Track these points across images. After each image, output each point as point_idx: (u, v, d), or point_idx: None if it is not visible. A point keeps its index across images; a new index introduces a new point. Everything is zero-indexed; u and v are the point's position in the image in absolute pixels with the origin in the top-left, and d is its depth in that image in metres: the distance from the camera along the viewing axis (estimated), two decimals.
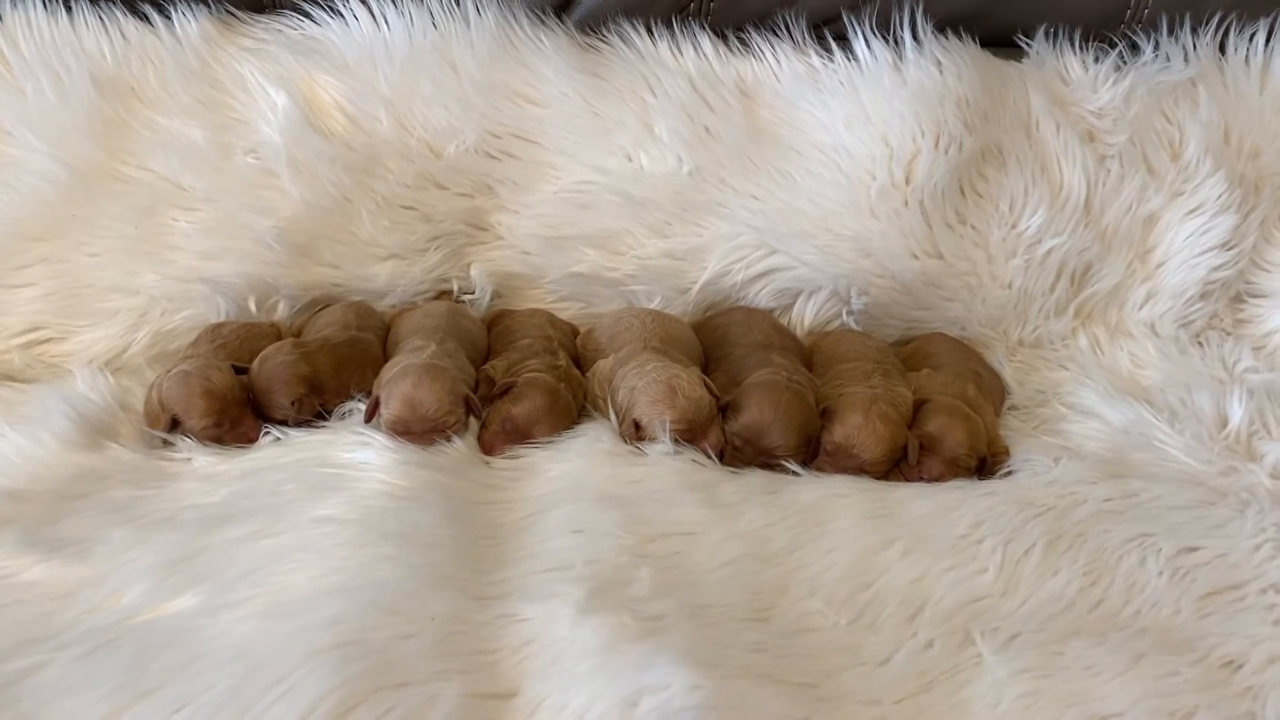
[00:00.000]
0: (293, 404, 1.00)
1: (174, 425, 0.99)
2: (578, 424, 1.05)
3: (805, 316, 1.27)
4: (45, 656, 0.73)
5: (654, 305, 1.27)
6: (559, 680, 0.70)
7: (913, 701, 0.74)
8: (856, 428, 1.01)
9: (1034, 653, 0.78)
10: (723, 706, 0.68)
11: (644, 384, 1.02)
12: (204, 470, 0.96)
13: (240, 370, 1.03)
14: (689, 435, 1.00)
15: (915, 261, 1.25)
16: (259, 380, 1.02)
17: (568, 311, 1.29)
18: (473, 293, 1.27)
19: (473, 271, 1.27)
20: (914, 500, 0.96)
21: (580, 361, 1.16)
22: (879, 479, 1.01)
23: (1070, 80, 1.32)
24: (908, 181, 1.24)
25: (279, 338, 1.15)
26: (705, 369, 1.13)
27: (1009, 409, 1.18)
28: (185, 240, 1.18)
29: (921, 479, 1.01)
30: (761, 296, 1.27)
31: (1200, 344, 1.29)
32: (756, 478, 0.99)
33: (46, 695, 0.69)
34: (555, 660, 0.72)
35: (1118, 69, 1.32)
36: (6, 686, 0.70)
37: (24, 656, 0.72)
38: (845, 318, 1.27)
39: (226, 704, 0.68)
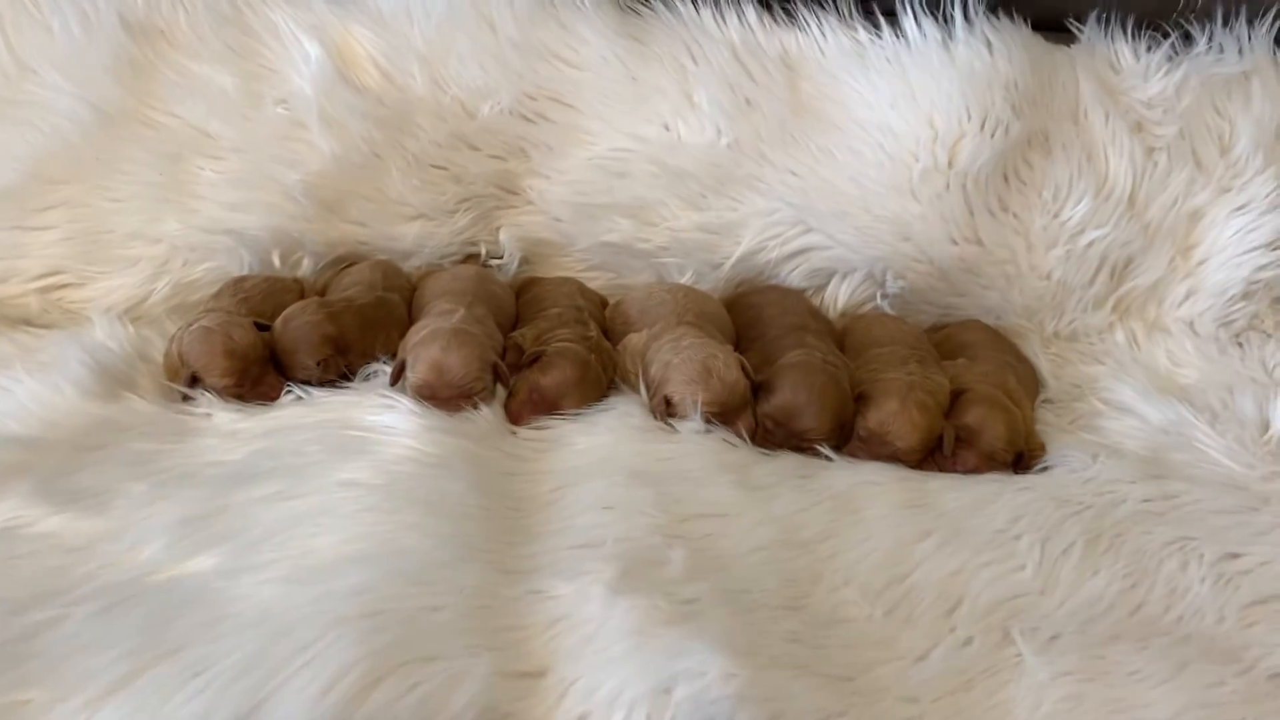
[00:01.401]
0: (318, 364, 0.98)
1: (194, 381, 0.97)
2: (607, 397, 1.03)
3: (839, 298, 1.24)
4: (61, 611, 0.71)
5: (685, 279, 1.24)
6: (591, 662, 0.68)
7: (951, 700, 0.71)
8: (892, 414, 0.98)
9: (1075, 655, 0.76)
10: (758, 697, 0.66)
11: (679, 361, 0.99)
12: (225, 427, 0.94)
13: (262, 327, 1.01)
14: (721, 417, 0.98)
15: (954, 247, 1.22)
16: (283, 339, 0.99)
17: (596, 281, 1.26)
18: (501, 258, 1.24)
19: (501, 236, 1.24)
20: (950, 492, 0.94)
21: (608, 333, 1.14)
22: (913, 468, 0.99)
23: (1121, 68, 1.29)
24: (951, 164, 1.21)
25: (302, 294, 1.12)
26: (736, 347, 1.10)
27: (1043, 402, 1.15)
28: (210, 190, 1.15)
29: (955, 470, 0.99)
30: (795, 275, 1.24)
31: (1240, 344, 1.26)
32: (789, 461, 0.97)
33: (63, 651, 0.67)
34: (587, 641, 0.70)
35: (1170, 59, 1.28)
36: (23, 640, 0.68)
37: (40, 609, 0.71)
38: (879, 301, 1.24)
39: (248, 669, 0.66)
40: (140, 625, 0.69)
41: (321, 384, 0.99)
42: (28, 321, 1.10)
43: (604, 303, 1.22)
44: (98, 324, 1.06)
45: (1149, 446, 1.05)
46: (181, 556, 0.77)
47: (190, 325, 0.98)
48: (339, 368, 0.99)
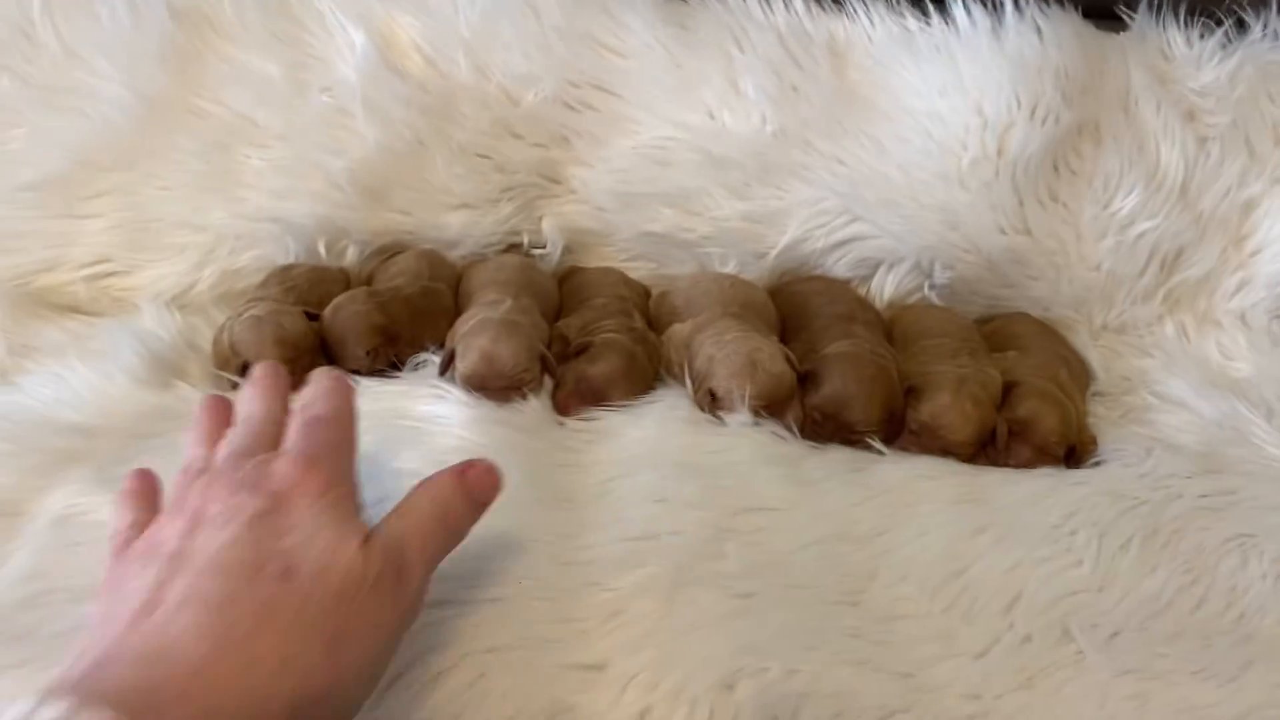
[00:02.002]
0: (368, 354, 0.98)
1: (244, 369, 0.97)
2: (653, 388, 1.02)
3: (885, 289, 1.23)
4: None
5: (729, 269, 1.23)
6: (651, 655, 0.68)
7: (1013, 698, 0.71)
8: (945, 407, 0.97)
9: (1137, 653, 0.75)
10: (823, 693, 0.66)
11: (723, 355, 0.99)
12: None
13: (312, 316, 1.01)
14: (768, 409, 0.97)
15: (1003, 237, 1.20)
16: (333, 329, 0.99)
17: (639, 271, 1.25)
18: (544, 247, 1.24)
19: (544, 225, 1.24)
20: (1003, 486, 0.93)
21: (653, 324, 1.13)
22: (965, 462, 0.98)
23: (1173, 56, 1.26)
24: (1000, 154, 1.19)
25: (348, 283, 1.12)
26: (781, 338, 1.09)
27: (1093, 395, 1.13)
28: (257, 178, 1.15)
29: (1008, 464, 0.98)
30: (841, 265, 1.23)
31: None
32: (839, 454, 0.96)
33: None
34: (646, 634, 0.69)
35: (1223, 47, 1.26)
36: (82, 629, 0.68)
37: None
38: (927, 291, 1.23)
39: None
40: None
41: (371, 374, 0.98)
42: (77, 309, 1.10)
43: (647, 293, 1.21)
44: (146, 312, 1.06)
45: (1203, 441, 1.03)
46: None
47: (240, 314, 0.98)
48: (388, 357, 0.99)
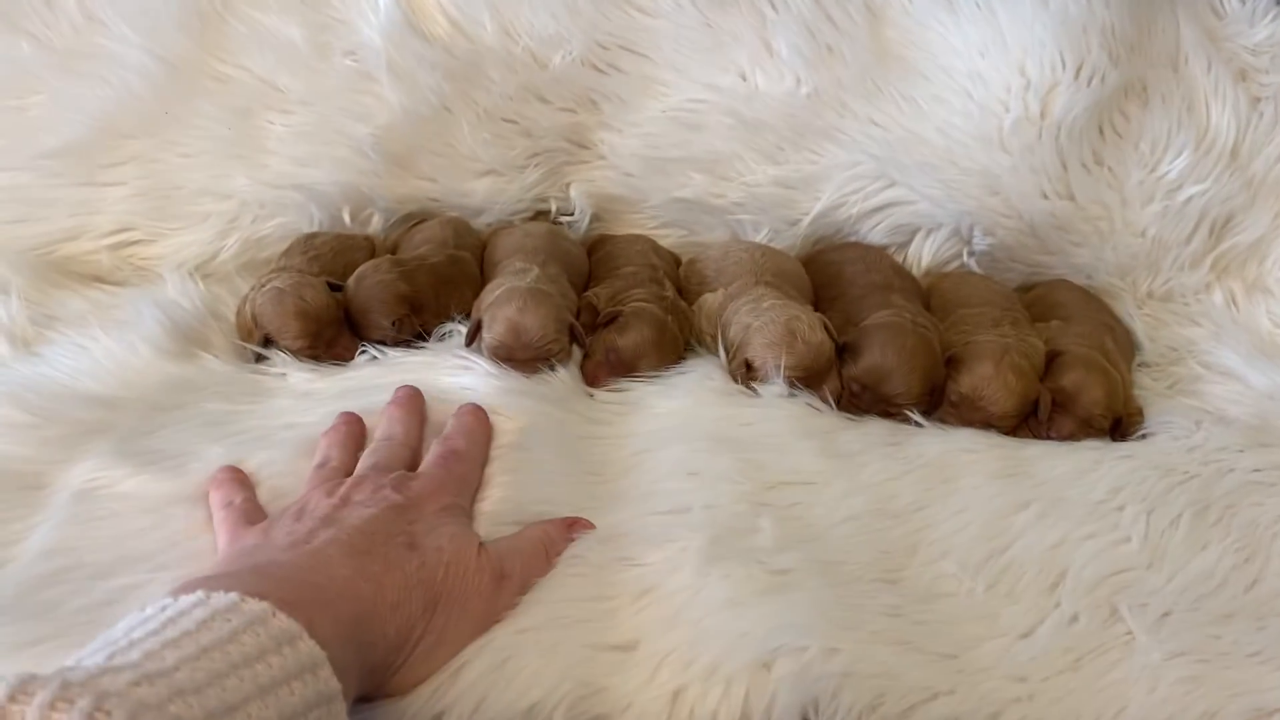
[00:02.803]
0: (393, 324, 0.96)
1: (267, 342, 0.95)
2: (684, 359, 1.00)
3: (923, 256, 1.19)
4: (145, 576, 0.69)
5: (761, 236, 1.20)
6: (684, 634, 0.66)
7: (1060, 680, 0.68)
8: (986, 378, 0.94)
9: (1189, 634, 0.72)
10: (864, 674, 0.63)
11: (760, 324, 0.96)
12: (300, 387, 0.92)
13: (335, 287, 0.99)
14: (806, 380, 0.94)
15: (1045, 202, 1.16)
16: (357, 299, 0.97)
17: (669, 239, 1.22)
18: (571, 214, 1.21)
19: (572, 192, 1.21)
20: (1047, 459, 0.90)
21: (683, 293, 1.10)
22: (1006, 434, 0.95)
23: (1225, 13, 1.22)
24: (1043, 115, 1.14)
25: (373, 251, 1.10)
26: (816, 307, 1.06)
27: (1139, 366, 1.10)
28: (279, 144, 1.13)
29: (1051, 437, 0.95)
30: (877, 232, 1.20)
31: None
32: (876, 426, 0.93)
33: None
34: (679, 611, 0.67)
35: (1278, 3, 1.21)
36: (107, 605, 0.67)
37: (125, 574, 0.69)
38: (966, 259, 1.19)
39: None
40: None
41: (396, 344, 0.96)
42: (100, 279, 1.09)
43: (677, 261, 1.18)
44: (169, 281, 1.05)
45: (1255, 413, 1.00)
46: None
47: (263, 286, 0.96)
48: (414, 327, 0.97)
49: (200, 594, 0.53)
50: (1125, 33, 1.16)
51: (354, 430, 0.81)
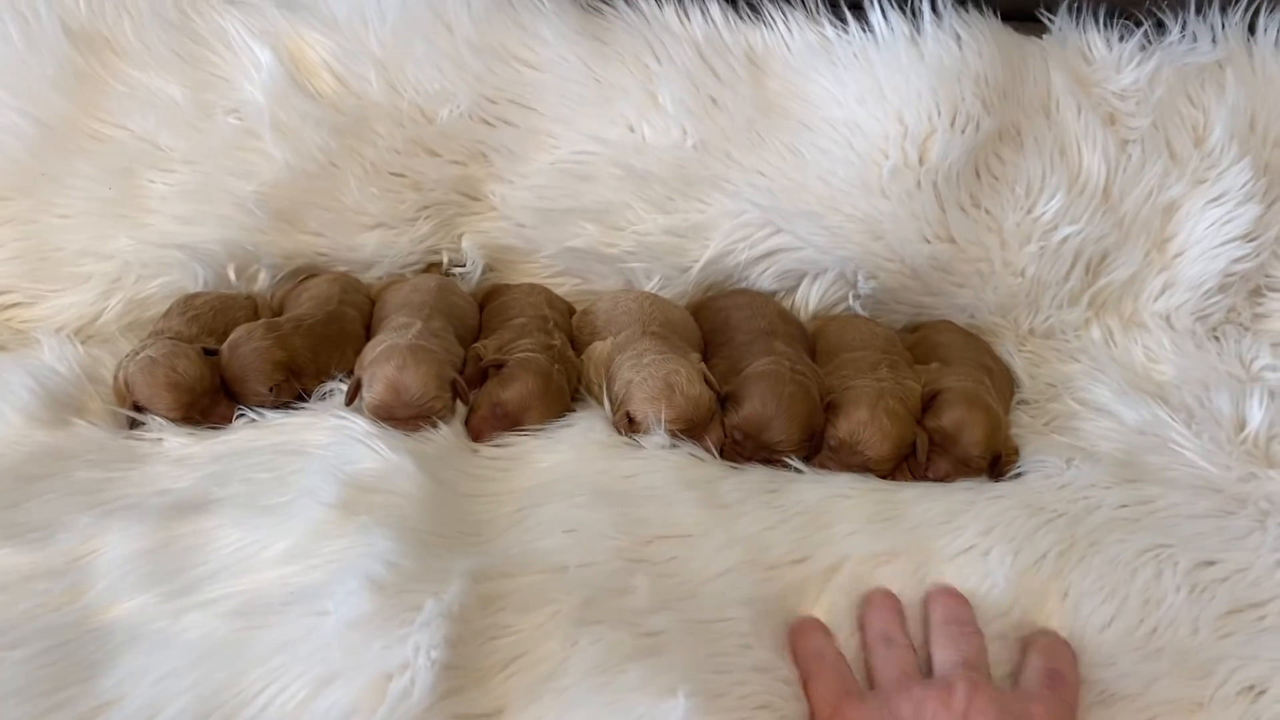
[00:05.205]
0: (270, 390, 0.95)
1: (139, 407, 0.94)
2: (571, 409, 1.00)
3: (810, 300, 1.22)
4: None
5: (653, 284, 1.21)
6: (551, 702, 0.66)
7: None
8: (862, 424, 0.96)
9: None
10: None
11: (640, 378, 0.97)
12: (175, 453, 0.91)
13: (210, 352, 0.98)
14: (687, 431, 0.96)
15: (926, 245, 1.20)
16: (232, 367, 0.96)
17: (563, 288, 1.23)
18: (464, 265, 1.22)
19: (464, 243, 1.22)
20: (921, 502, 0.91)
21: (574, 342, 1.11)
22: (883, 478, 0.97)
23: (1093, 59, 1.26)
24: (921, 161, 1.18)
25: (255, 310, 1.09)
26: (705, 355, 1.08)
27: (1019, 403, 1.13)
28: (162, 203, 1.12)
29: (928, 478, 0.97)
30: (765, 278, 1.22)
31: (1217, 339, 1.24)
32: (756, 474, 0.94)
33: None
34: (546, 679, 0.68)
35: (1143, 49, 1.26)
36: None
37: None
38: (851, 302, 1.22)
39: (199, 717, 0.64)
40: (80, 674, 0.67)
41: (275, 407, 0.96)
42: None
43: (572, 310, 1.19)
44: (46, 346, 1.03)
45: (1124, 449, 1.03)
46: (126, 595, 0.74)
47: (136, 354, 0.95)
48: (294, 391, 0.97)
49: None
50: (998, 80, 1.20)
51: (898, 605, 0.82)
